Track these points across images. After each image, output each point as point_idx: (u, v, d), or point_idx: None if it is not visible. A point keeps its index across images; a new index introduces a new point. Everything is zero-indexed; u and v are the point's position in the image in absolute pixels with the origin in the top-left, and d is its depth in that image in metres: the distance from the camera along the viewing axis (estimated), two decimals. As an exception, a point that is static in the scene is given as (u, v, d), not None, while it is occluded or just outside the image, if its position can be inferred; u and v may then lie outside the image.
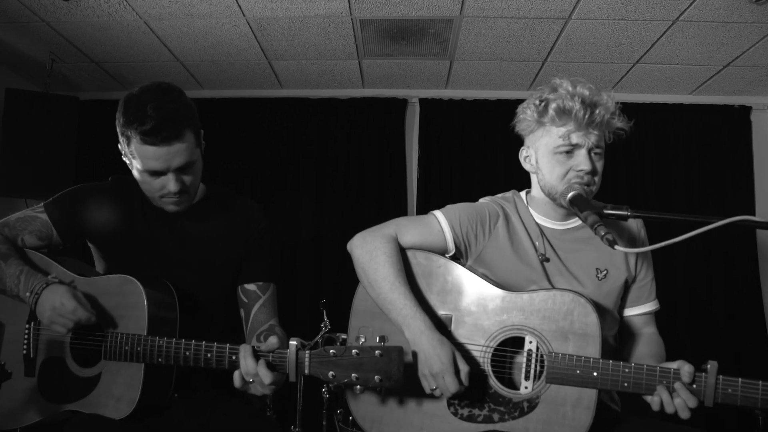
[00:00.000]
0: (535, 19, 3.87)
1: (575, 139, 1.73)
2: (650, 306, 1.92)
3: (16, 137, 4.36)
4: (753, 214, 4.76)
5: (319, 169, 5.05)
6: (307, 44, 4.29)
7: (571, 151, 1.75)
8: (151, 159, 1.72)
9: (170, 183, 1.76)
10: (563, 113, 1.73)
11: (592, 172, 1.74)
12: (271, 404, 3.24)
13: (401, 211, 4.89)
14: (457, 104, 5.01)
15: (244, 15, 3.87)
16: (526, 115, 1.85)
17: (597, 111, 1.71)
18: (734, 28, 3.89)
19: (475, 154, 4.88)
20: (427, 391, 1.68)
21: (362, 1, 3.69)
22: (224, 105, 5.09)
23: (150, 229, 1.92)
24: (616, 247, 1.49)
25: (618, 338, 1.90)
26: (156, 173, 1.75)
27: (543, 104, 1.78)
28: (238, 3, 3.72)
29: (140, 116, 1.68)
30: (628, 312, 1.91)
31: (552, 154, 1.78)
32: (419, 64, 4.63)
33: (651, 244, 1.79)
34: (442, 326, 1.76)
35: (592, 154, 1.75)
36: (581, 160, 1.73)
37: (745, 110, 4.89)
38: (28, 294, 1.73)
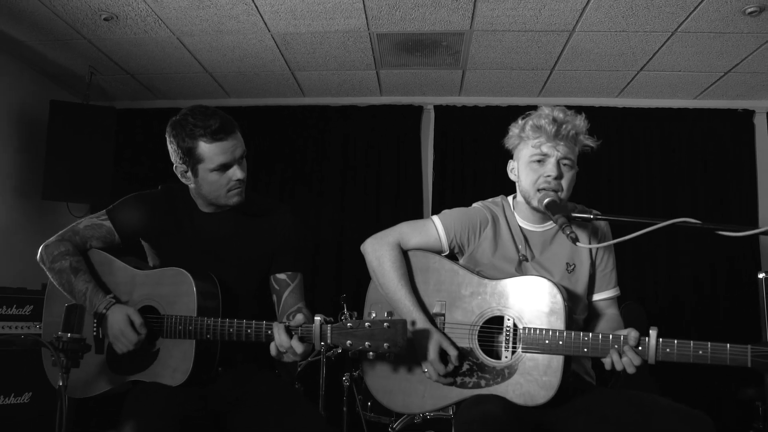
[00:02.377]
0: (541, 32, 4.21)
1: (545, 149, 2.11)
2: (611, 292, 2.28)
3: (59, 145, 4.77)
4: (756, 213, 5.07)
5: (340, 172, 5.42)
6: (327, 56, 4.67)
7: (542, 160, 2.12)
8: (219, 155, 2.11)
9: (236, 172, 2.15)
10: (537, 128, 2.11)
11: (558, 177, 2.10)
12: (298, 379, 3.67)
13: (417, 212, 5.26)
14: (470, 111, 5.37)
15: (269, 31, 4.26)
16: (512, 133, 2.23)
17: (564, 126, 2.08)
18: (731, 38, 4.19)
19: (488, 158, 5.20)
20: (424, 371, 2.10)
21: (379, 17, 4.06)
22: (250, 113, 5.49)
23: (195, 229, 2.30)
24: (578, 244, 1.87)
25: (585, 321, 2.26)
26: (224, 167, 2.13)
27: (523, 122, 2.17)
28: (263, 20, 4.11)
29: (206, 122, 2.08)
30: (594, 297, 2.27)
31: (528, 163, 2.16)
32: (433, 74, 4.99)
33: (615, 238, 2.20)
34: (437, 314, 2.16)
35: (561, 165, 2.11)
36: (549, 168, 2.10)
37: (748, 114, 5.18)
38: (93, 313, 2.14)
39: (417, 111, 5.45)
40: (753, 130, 5.18)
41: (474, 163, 5.27)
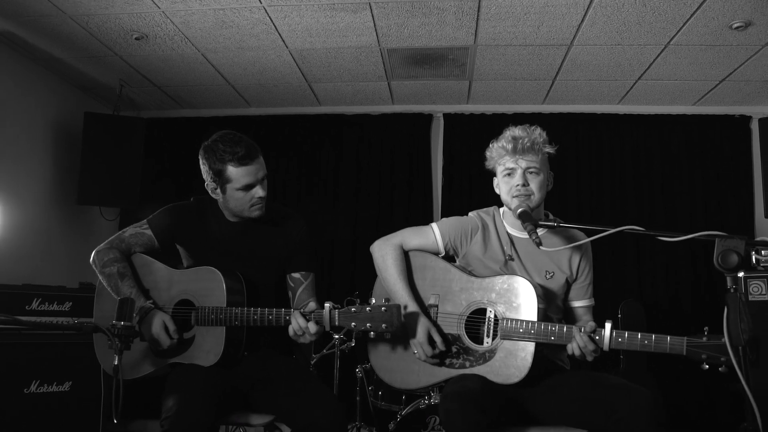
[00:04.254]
0: (541, 46, 4.59)
1: (509, 164, 2.56)
2: (587, 302, 2.69)
3: (93, 154, 5.25)
4: (752, 214, 5.42)
5: (354, 176, 5.85)
6: (342, 69, 5.10)
7: (510, 173, 2.56)
8: (245, 176, 2.55)
9: (259, 191, 2.60)
10: (501, 149, 2.58)
11: (525, 184, 2.52)
12: (312, 363, 4.12)
13: (427, 213, 5.67)
14: (478, 118, 5.77)
15: (287, 47, 4.70)
16: (488, 157, 2.68)
17: (519, 142, 2.52)
18: (721, 51, 4.54)
19: (495, 162, 5.59)
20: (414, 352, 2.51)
21: (388, 35, 4.47)
22: (269, 120, 5.95)
23: (223, 234, 2.75)
24: (541, 247, 2.29)
25: (563, 322, 2.63)
26: (248, 187, 2.58)
27: (492, 147, 2.64)
28: (282, 38, 4.54)
29: (233, 149, 2.53)
30: (572, 304, 2.68)
31: (502, 178, 2.61)
32: (442, 84, 5.40)
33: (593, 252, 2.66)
34: (431, 305, 2.58)
35: (527, 173, 2.53)
36: (516, 179, 2.54)
37: (745, 119, 5.50)
38: (135, 315, 2.54)
39: (427, 119, 5.86)
40: (750, 135, 5.49)
41: (481, 167, 5.60)
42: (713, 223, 5.34)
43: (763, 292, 3.75)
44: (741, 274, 3.82)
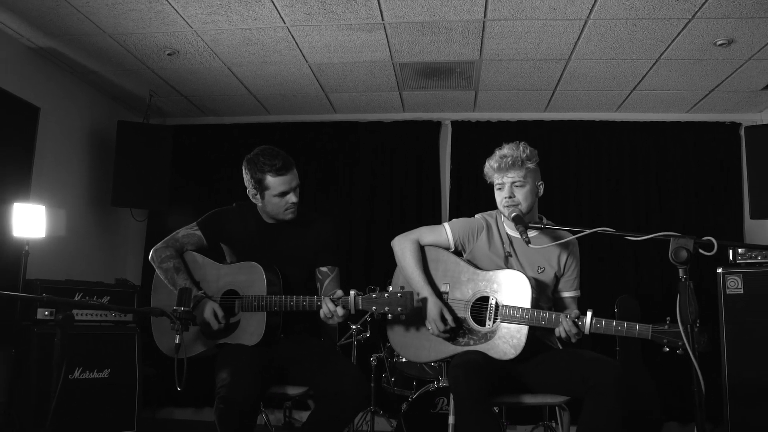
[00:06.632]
0: (542, 60, 5.11)
1: (498, 180, 3.07)
2: (574, 293, 3.21)
3: (125, 159, 5.77)
4: (741, 219, 5.91)
5: (368, 179, 6.36)
6: (357, 81, 5.63)
7: (501, 187, 3.08)
8: (281, 185, 3.08)
9: (292, 197, 3.13)
10: (490, 167, 3.09)
11: (512, 196, 3.03)
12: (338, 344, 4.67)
13: (436, 214, 6.19)
14: (484, 125, 6.28)
15: (307, 62, 5.23)
16: (485, 173, 3.18)
17: (504, 160, 3.02)
18: (708, 64, 5.04)
19: (500, 167, 6.11)
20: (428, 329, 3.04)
21: (400, 51, 5.00)
22: (288, 127, 6.48)
23: (261, 235, 3.28)
24: (530, 245, 2.84)
25: (552, 310, 3.10)
26: (283, 193, 3.10)
27: (486, 165, 3.13)
28: (302, 54, 5.07)
29: (272, 162, 3.06)
30: (561, 294, 3.20)
31: (495, 191, 3.13)
32: (450, 94, 5.92)
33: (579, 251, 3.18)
34: (443, 292, 3.10)
35: (513, 187, 3.04)
36: (504, 192, 3.05)
37: (735, 126, 5.98)
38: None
39: (436, 126, 6.38)
40: (740, 141, 5.95)
41: (487, 171, 6.16)
42: (705, 224, 5.80)
43: (739, 287, 4.27)
44: (720, 270, 4.35)
